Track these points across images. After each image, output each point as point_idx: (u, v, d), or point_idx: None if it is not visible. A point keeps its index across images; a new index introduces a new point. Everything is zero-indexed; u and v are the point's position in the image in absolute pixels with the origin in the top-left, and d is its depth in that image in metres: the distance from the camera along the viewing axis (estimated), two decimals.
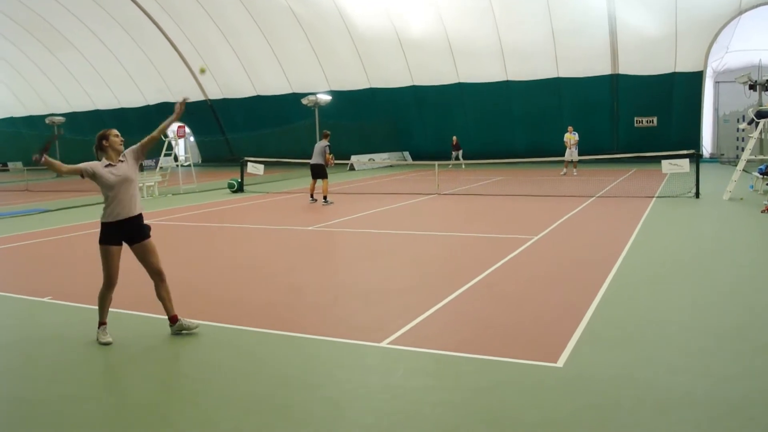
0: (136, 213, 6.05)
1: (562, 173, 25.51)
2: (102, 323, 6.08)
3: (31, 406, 4.67)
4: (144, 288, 8.00)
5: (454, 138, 33.33)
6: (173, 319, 6.21)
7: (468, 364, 5.19)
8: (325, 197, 17.37)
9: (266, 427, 4.23)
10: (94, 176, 5.90)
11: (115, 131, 6.06)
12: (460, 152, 32.60)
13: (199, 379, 5.15)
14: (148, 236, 6.13)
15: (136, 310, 7.01)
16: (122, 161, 6.00)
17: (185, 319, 6.26)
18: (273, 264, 9.80)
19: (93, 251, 11.44)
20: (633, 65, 31.79)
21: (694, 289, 7.47)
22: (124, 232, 5.99)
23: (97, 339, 6.01)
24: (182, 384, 5.06)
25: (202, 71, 19.71)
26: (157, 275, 6.15)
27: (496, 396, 4.60)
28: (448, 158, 31.90)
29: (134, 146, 6.11)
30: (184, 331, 6.18)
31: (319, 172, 17.46)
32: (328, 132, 18.45)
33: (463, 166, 31.21)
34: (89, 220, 15.50)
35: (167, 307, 6.22)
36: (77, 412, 4.54)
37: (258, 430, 4.19)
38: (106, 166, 5.93)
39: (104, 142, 5.98)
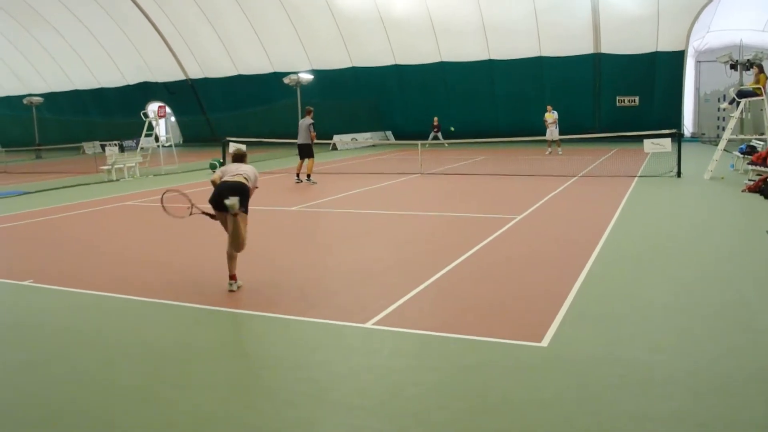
0: None
1: (547, 153, 25.58)
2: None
3: (6, 395, 4.63)
4: (120, 269, 7.97)
5: (435, 119, 33.24)
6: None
7: (452, 344, 5.21)
8: (308, 176, 17.28)
9: (252, 409, 4.23)
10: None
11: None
12: (440, 134, 32.57)
13: (183, 361, 5.13)
14: None
15: (114, 292, 6.94)
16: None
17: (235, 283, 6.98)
18: (256, 245, 9.73)
19: (74, 233, 11.35)
20: (615, 44, 31.77)
21: (676, 269, 7.53)
22: None
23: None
24: (165, 366, 5.03)
25: None
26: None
27: (481, 376, 4.62)
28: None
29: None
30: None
31: (306, 151, 17.31)
32: (311, 108, 17.99)
33: (446, 145, 31.13)
34: (69, 201, 15.34)
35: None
36: (57, 397, 4.51)
37: (243, 412, 4.18)
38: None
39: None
